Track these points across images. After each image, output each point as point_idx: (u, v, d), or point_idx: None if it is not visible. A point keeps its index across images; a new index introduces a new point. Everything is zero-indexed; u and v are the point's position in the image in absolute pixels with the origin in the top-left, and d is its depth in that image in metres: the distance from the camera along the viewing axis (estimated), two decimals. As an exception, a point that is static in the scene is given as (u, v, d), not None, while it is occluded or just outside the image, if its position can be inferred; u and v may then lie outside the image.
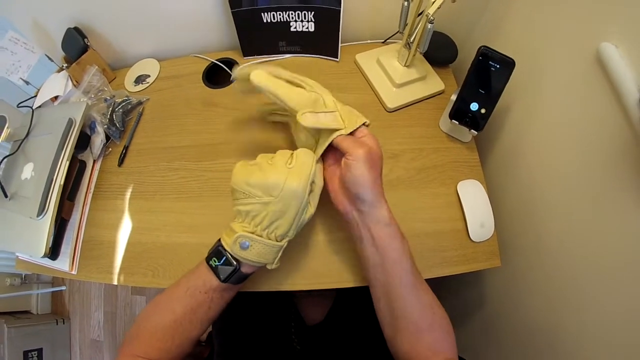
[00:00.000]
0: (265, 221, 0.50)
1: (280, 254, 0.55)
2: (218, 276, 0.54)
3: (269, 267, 0.55)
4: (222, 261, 0.53)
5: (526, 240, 0.75)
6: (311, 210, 0.54)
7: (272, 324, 0.78)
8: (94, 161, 0.85)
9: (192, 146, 0.84)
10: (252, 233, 0.51)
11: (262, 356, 0.73)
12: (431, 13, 0.67)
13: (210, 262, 0.54)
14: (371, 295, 0.57)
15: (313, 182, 0.53)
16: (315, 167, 0.53)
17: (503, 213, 0.76)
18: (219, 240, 0.55)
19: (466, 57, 0.75)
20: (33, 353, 1.66)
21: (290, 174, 0.50)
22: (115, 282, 0.74)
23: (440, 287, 0.55)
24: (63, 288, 1.91)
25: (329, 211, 0.61)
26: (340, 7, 0.81)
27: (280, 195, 0.49)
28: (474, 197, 0.73)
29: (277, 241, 0.52)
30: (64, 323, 1.83)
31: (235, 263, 0.53)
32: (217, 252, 0.54)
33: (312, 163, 0.52)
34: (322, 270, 0.69)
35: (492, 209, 0.72)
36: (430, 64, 0.88)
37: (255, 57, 0.96)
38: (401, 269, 0.52)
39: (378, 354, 0.74)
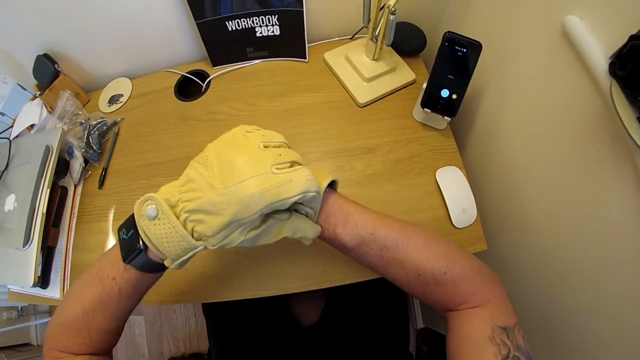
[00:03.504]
0: (194, 203, 0.38)
1: (187, 257, 0.41)
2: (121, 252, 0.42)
3: (167, 264, 0.41)
4: (129, 234, 0.41)
5: (512, 221, 0.74)
6: (253, 237, 0.41)
7: (266, 329, 0.77)
8: (75, 186, 0.85)
9: (170, 161, 0.84)
10: (172, 203, 0.39)
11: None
12: (392, 4, 0.67)
13: (120, 233, 0.43)
14: (396, 282, 0.50)
15: (295, 211, 0.42)
16: (306, 195, 0.38)
17: (486, 197, 0.76)
18: None
19: (436, 44, 0.74)
20: (37, 385, 1.64)
21: (262, 178, 0.37)
22: (107, 305, 0.74)
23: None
24: (62, 316, 1.88)
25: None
26: (302, 7, 0.81)
27: (228, 190, 0.36)
28: (453, 183, 0.73)
29: (190, 234, 0.39)
30: (66, 351, 1.81)
31: (141, 243, 0.40)
32: (130, 220, 0.42)
33: (303, 186, 0.38)
34: (304, 273, 0.70)
35: (474, 194, 0.72)
36: (400, 54, 0.88)
37: (225, 65, 0.96)
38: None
39: (374, 350, 0.74)
